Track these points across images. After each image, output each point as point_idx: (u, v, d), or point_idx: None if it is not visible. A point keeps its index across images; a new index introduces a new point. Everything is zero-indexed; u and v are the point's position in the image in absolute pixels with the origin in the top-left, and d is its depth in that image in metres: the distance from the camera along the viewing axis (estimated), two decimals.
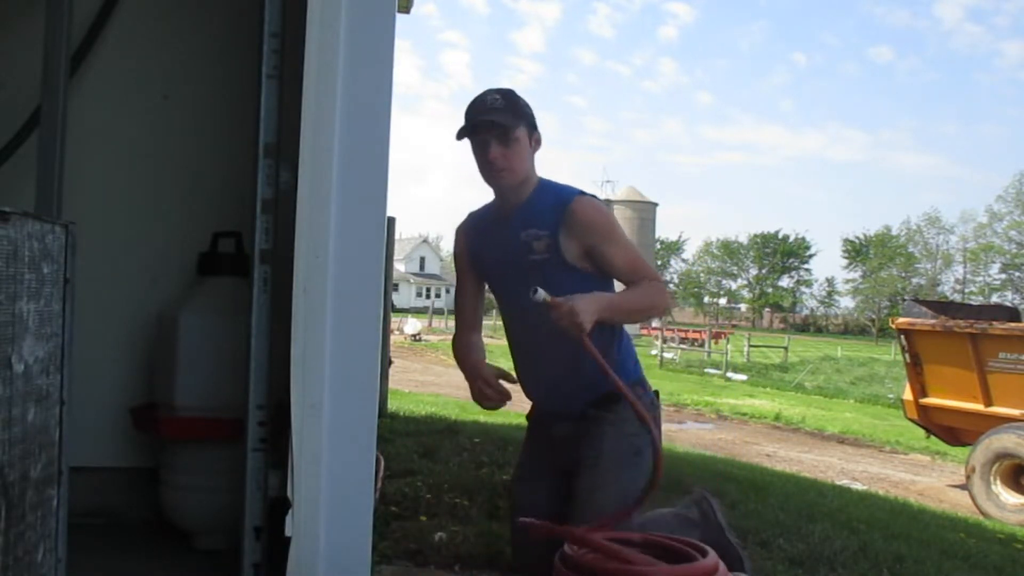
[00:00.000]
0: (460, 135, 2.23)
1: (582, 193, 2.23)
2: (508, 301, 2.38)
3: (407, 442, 5.60)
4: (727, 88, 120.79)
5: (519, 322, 2.36)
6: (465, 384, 2.44)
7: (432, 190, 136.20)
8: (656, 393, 2.38)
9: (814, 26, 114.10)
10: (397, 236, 20.65)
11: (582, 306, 2.00)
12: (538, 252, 2.20)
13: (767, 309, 68.13)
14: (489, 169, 2.22)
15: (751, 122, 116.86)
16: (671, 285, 71.04)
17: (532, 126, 2.27)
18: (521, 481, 2.50)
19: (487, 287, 2.47)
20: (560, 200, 2.21)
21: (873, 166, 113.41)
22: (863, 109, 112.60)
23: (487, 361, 2.42)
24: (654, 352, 25.88)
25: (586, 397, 2.30)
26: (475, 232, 2.42)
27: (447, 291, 66.29)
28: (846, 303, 65.46)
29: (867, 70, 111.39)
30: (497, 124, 2.17)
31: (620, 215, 51.84)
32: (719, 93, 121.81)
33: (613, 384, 2.00)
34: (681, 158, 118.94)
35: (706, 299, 70.25)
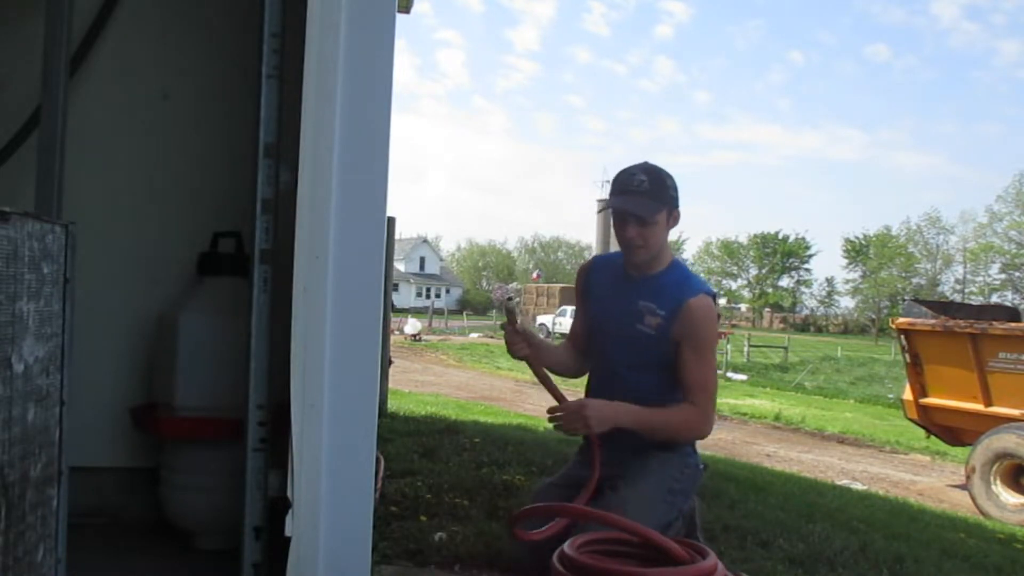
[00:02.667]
0: (604, 209, 2.36)
1: (707, 293, 2.31)
2: (599, 347, 2.47)
3: (407, 442, 5.60)
4: (724, 87, 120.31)
5: (601, 365, 2.47)
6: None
7: (431, 190, 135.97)
8: (705, 465, 2.48)
9: (810, 24, 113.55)
10: (397, 236, 20.65)
11: (596, 412, 2.17)
12: (648, 326, 2.30)
13: (767, 309, 68.03)
14: (627, 245, 2.32)
15: (748, 121, 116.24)
16: None
17: (673, 206, 2.31)
18: (551, 486, 2.51)
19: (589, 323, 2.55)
20: (685, 290, 2.29)
21: (871, 165, 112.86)
22: (861, 108, 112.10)
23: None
24: None
25: (646, 442, 2.35)
26: (595, 276, 2.52)
27: (447, 291, 66.27)
28: (846, 303, 65.41)
29: (864, 69, 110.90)
30: (639, 216, 2.25)
31: None
32: (716, 92, 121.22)
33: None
34: (679, 157, 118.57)
35: None
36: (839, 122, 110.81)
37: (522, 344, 2.38)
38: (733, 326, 52.54)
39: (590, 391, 2.50)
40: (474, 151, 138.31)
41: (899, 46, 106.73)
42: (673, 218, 2.32)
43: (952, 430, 8.52)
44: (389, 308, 7.79)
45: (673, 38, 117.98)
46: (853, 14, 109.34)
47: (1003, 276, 52.78)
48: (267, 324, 2.41)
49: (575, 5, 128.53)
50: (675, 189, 2.31)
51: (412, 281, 64.08)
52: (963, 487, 8.05)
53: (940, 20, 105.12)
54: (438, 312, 46.01)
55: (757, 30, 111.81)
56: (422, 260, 69.07)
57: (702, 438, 2.29)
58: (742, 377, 21.79)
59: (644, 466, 2.33)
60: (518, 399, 13.56)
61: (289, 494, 2.26)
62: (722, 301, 66.83)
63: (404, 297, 56.37)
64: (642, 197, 2.25)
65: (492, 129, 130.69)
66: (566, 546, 1.78)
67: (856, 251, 61.57)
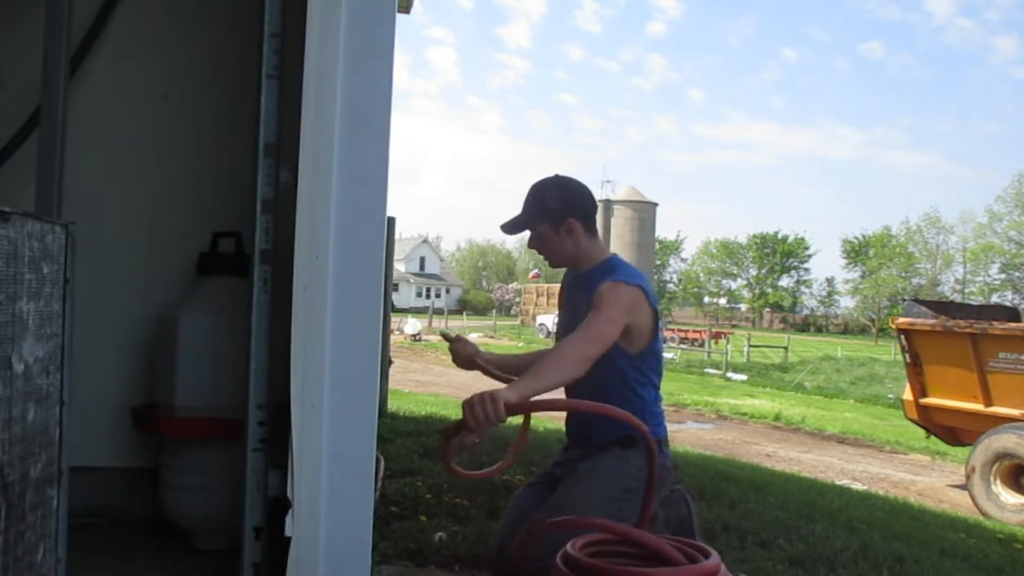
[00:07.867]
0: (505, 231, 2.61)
1: (623, 280, 2.40)
2: None
3: (407, 442, 5.60)
4: (718, 85, 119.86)
5: None
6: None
7: (429, 189, 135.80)
8: (675, 466, 2.58)
9: (804, 21, 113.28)
10: (397, 236, 20.61)
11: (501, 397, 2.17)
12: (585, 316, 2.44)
13: (767, 309, 67.99)
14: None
15: (744, 120, 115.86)
16: (671, 285, 70.94)
17: (558, 218, 2.49)
18: (531, 486, 2.65)
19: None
20: (604, 279, 2.43)
21: (868, 164, 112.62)
22: (856, 106, 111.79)
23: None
24: None
25: (609, 434, 2.45)
26: (565, 288, 2.73)
27: (447, 291, 66.27)
28: (846, 303, 65.34)
29: (858, 66, 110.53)
30: (517, 228, 2.54)
31: (620, 215, 51.75)
32: (710, 90, 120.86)
33: (627, 420, 2.09)
34: (675, 156, 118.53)
35: (706, 299, 70.16)
36: (835, 120, 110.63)
37: (466, 347, 2.60)
38: (733, 326, 52.52)
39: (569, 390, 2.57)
40: (470, 150, 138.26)
41: (893, 43, 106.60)
42: (565, 228, 2.49)
43: (952, 430, 8.51)
44: (389, 308, 7.79)
45: (666, 35, 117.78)
46: (847, 10, 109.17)
47: (1003, 276, 52.81)
48: (267, 324, 2.41)
49: (566, 1, 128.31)
50: (559, 201, 2.49)
51: (412, 281, 64.08)
52: (963, 487, 8.05)
53: (934, 17, 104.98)
54: (438, 312, 46.00)
55: (750, 27, 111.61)
56: (422, 260, 69.05)
57: (590, 356, 2.23)
58: (742, 377, 21.77)
59: (600, 463, 2.40)
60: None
61: (289, 494, 2.26)
62: (722, 301, 66.85)
63: (404, 297, 56.38)
64: (521, 215, 2.52)
65: (486, 128, 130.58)
66: (569, 546, 1.78)
67: (856, 251, 61.59)
